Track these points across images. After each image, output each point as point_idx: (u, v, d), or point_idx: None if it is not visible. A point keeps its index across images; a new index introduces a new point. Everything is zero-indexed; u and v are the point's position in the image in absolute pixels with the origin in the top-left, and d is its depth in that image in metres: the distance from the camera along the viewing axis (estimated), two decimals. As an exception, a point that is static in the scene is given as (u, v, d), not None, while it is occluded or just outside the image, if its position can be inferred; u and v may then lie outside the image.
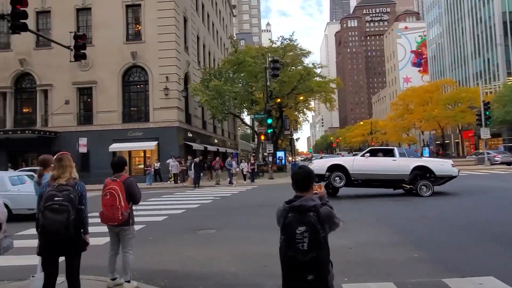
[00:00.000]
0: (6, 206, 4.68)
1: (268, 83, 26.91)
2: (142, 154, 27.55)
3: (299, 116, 46.73)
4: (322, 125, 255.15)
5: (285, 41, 35.09)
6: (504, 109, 42.24)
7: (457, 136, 63.46)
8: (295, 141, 69.88)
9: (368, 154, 14.10)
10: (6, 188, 10.36)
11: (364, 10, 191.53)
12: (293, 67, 36.73)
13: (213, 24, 42.41)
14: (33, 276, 4.05)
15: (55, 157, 3.86)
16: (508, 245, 6.32)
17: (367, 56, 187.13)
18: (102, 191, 4.55)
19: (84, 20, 27.69)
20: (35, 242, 3.72)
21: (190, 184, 22.21)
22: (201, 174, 23.06)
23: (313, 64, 37.45)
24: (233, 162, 23.44)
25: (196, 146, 29.91)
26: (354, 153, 48.49)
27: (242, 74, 34.18)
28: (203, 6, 37.54)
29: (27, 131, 25.07)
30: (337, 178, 13.32)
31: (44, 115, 27.35)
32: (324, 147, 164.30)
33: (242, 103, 35.18)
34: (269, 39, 38.86)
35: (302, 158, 79.18)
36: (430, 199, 12.54)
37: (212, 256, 6.30)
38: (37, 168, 5.02)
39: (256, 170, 25.58)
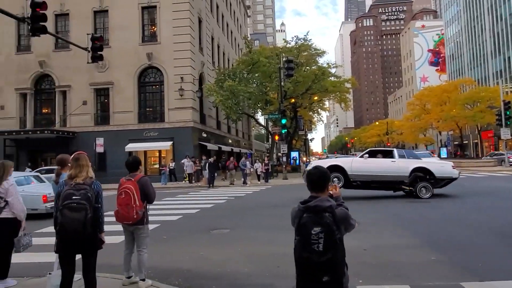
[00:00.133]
0: None
1: (282, 83, 26.81)
2: (158, 154, 27.84)
3: (314, 116, 46.45)
4: (337, 125, 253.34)
5: (299, 41, 34.90)
6: (525, 108, 41.05)
7: (476, 137, 61.94)
8: (310, 141, 69.41)
9: (367, 155, 13.84)
10: None
11: (380, 8, 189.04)
12: (307, 67, 36.54)
13: (227, 25, 42.57)
14: (50, 273, 4.12)
15: (72, 156, 3.93)
16: (529, 249, 6.13)
17: (383, 56, 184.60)
18: (117, 190, 4.61)
19: (101, 22, 28.20)
20: (53, 240, 3.79)
21: (204, 184, 22.35)
22: (216, 174, 23.16)
23: (327, 64, 37.24)
24: (247, 162, 23.44)
25: (210, 146, 30.06)
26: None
27: (256, 74, 34.21)
28: (217, 7, 37.74)
29: (46, 131, 25.58)
30: (335, 179, 12.95)
31: (63, 115, 27.94)
32: (338, 147, 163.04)
33: (256, 103, 35.19)
34: (284, 39, 38.71)
35: (317, 158, 78.67)
36: (447, 200, 12.27)
37: (226, 256, 6.32)
38: (55, 167, 5.11)
39: (270, 170, 25.55)
